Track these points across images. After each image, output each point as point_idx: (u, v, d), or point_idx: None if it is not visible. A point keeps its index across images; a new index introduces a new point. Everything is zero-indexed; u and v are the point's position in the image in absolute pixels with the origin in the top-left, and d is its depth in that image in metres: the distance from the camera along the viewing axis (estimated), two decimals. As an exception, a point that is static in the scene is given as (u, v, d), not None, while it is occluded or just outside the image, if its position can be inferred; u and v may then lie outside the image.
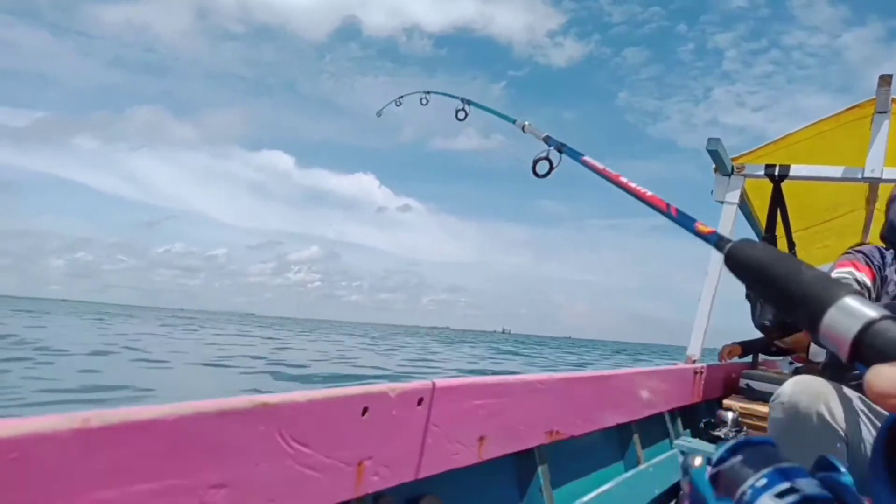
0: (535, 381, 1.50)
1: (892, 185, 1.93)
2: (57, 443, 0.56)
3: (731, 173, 3.13)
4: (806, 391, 1.59)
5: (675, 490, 2.20)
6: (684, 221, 0.67)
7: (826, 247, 4.73)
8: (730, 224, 3.08)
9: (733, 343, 3.44)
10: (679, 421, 2.62)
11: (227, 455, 0.74)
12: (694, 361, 2.94)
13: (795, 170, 3.08)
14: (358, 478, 0.95)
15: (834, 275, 1.82)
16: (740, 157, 3.20)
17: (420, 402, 1.10)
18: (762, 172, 3.12)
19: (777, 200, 3.23)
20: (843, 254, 1.91)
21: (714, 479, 0.49)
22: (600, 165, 0.97)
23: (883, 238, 1.85)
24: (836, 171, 3.03)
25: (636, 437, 2.17)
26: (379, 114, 2.51)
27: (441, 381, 1.16)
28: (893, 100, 2.92)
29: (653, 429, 2.37)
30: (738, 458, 0.48)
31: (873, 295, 1.77)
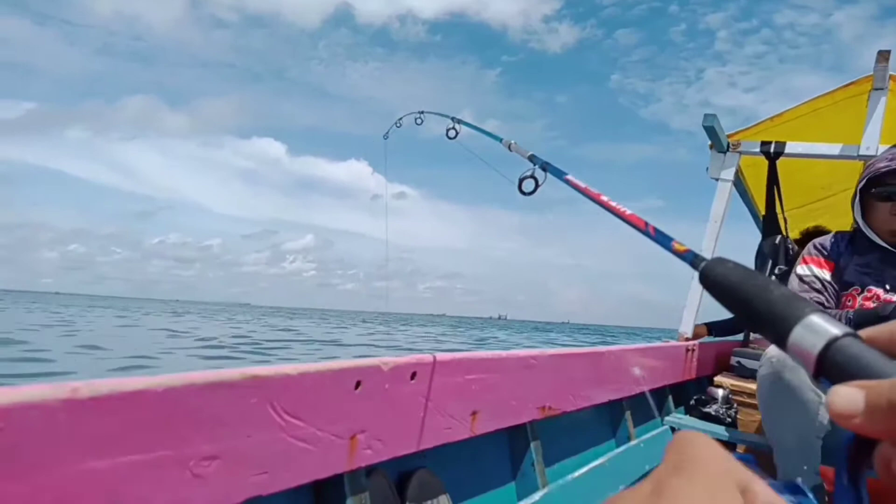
0: (528, 356, 1.51)
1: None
2: (45, 412, 0.56)
3: (727, 150, 3.11)
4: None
5: (665, 465, 2.23)
6: (661, 240, 0.70)
7: (816, 225, 4.74)
8: (724, 200, 3.07)
9: (701, 323, 3.45)
10: (670, 398, 2.64)
11: (219, 427, 0.73)
12: (686, 339, 2.96)
13: (791, 147, 3.07)
14: (351, 451, 0.95)
15: (798, 271, 1.91)
16: (736, 133, 3.18)
17: (413, 376, 1.10)
18: (758, 149, 3.11)
19: (773, 178, 3.23)
20: (807, 246, 2.00)
21: None
22: (582, 184, 1.00)
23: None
24: (832, 148, 3.02)
25: (628, 414, 2.19)
26: (386, 136, 2.53)
27: (434, 356, 1.16)
28: (891, 76, 2.90)
29: (644, 405, 2.39)
30: None
31: (833, 289, 1.85)
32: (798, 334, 0.38)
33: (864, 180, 1.83)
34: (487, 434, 1.34)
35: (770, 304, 0.42)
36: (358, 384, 0.96)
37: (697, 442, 0.28)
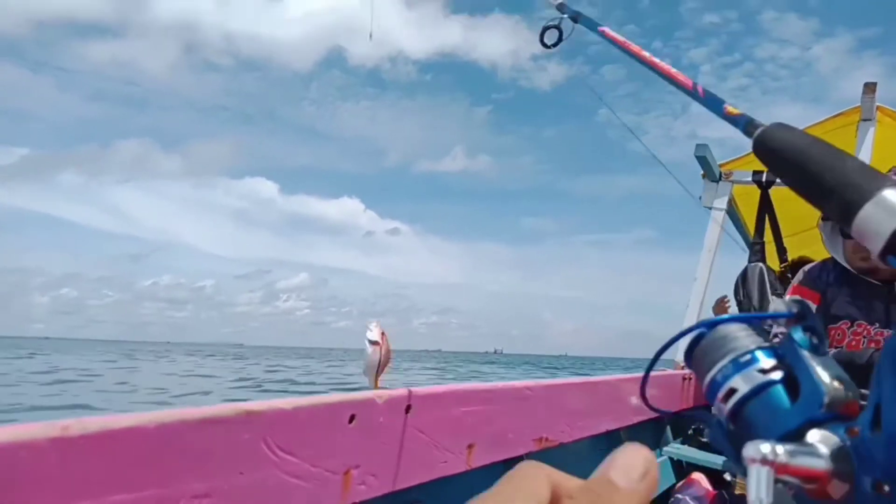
0: (524, 387, 1.50)
1: None
2: (34, 451, 0.55)
3: (720, 179, 3.15)
4: None
5: (665, 497, 2.19)
6: (711, 103, 0.63)
7: (815, 252, 4.77)
8: (717, 228, 3.10)
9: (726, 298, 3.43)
10: (668, 427, 2.62)
11: (211, 464, 0.72)
12: (682, 367, 2.95)
13: (782, 176, 3.10)
14: (345, 487, 0.94)
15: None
16: (728, 163, 3.22)
17: (408, 409, 1.09)
18: (750, 179, 3.15)
19: (765, 206, 3.26)
20: (797, 274, 1.97)
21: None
22: (620, 38, 0.88)
23: None
24: (823, 177, 3.06)
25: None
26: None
27: (429, 388, 1.16)
28: (878, 107, 2.96)
29: (642, 435, 2.37)
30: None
31: (821, 322, 1.81)
32: (868, 211, 0.35)
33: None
34: (484, 467, 1.33)
35: (839, 173, 0.38)
36: (352, 418, 0.95)
37: (524, 466, 0.29)
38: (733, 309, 3.41)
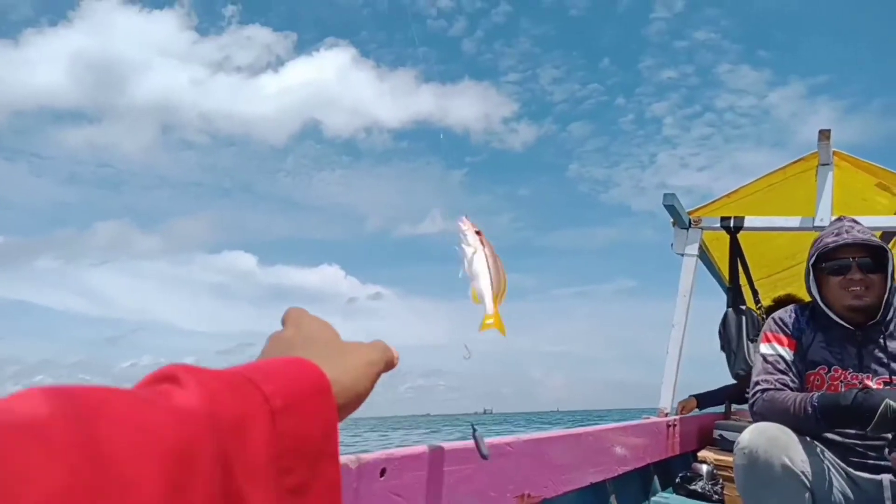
0: (504, 443, 1.49)
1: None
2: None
3: (689, 226, 3.23)
4: (763, 437, 1.62)
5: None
6: None
7: (787, 293, 4.86)
8: (690, 274, 3.16)
9: (689, 396, 3.43)
10: (655, 477, 2.59)
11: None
12: (666, 415, 2.95)
13: (750, 221, 3.21)
14: (319, 556, 0.92)
15: (762, 351, 1.88)
16: (696, 210, 3.32)
17: (383, 472, 1.08)
18: (718, 224, 3.24)
19: (735, 251, 3.34)
20: (767, 321, 1.98)
21: None
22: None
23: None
24: (790, 221, 3.17)
25: (613, 497, 2.14)
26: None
27: (404, 450, 1.15)
28: (834, 152, 3.10)
29: (629, 486, 2.35)
30: None
31: (798, 368, 1.82)
32: None
33: (814, 257, 1.84)
34: None
35: None
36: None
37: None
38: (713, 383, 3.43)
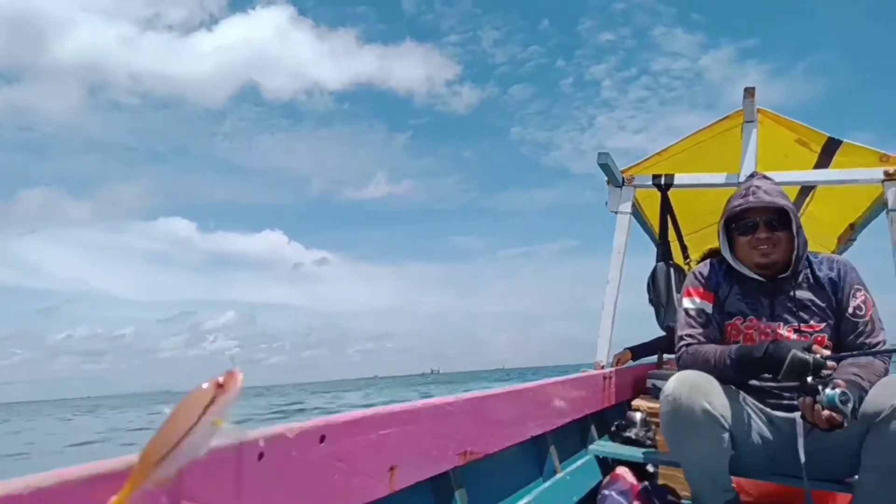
0: (444, 403, 1.51)
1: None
2: None
3: (623, 185, 3.31)
4: (685, 384, 1.73)
5: (592, 495, 2.26)
6: None
7: (714, 247, 5.09)
8: (624, 231, 3.25)
9: (624, 349, 3.58)
10: (593, 426, 2.70)
11: (102, 522, 0.68)
12: (602, 367, 3.06)
13: (679, 178, 3.31)
14: (258, 527, 0.91)
15: (685, 305, 1.98)
16: (629, 168, 3.39)
17: (322, 439, 1.07)
18: (650, 182, 3.32)
19: (666, 208, 3.45)
20: (688, 276, 2.08)
21: None
22: None
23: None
24: (716, 177, 3.29)
25: (552, 448, 2.22)
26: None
27: (343, 416, 1.14)
28: (759, 110, 3.21)
29: (568, 437, 2.43)
30: None
31: (717, 319, 1.94)
32: None
33: (724, 218, 1.94)
34: (408, 488, 1.32)
35: None
36: (261, 455, 0.93)
37: None
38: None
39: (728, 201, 1.96)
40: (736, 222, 1.90)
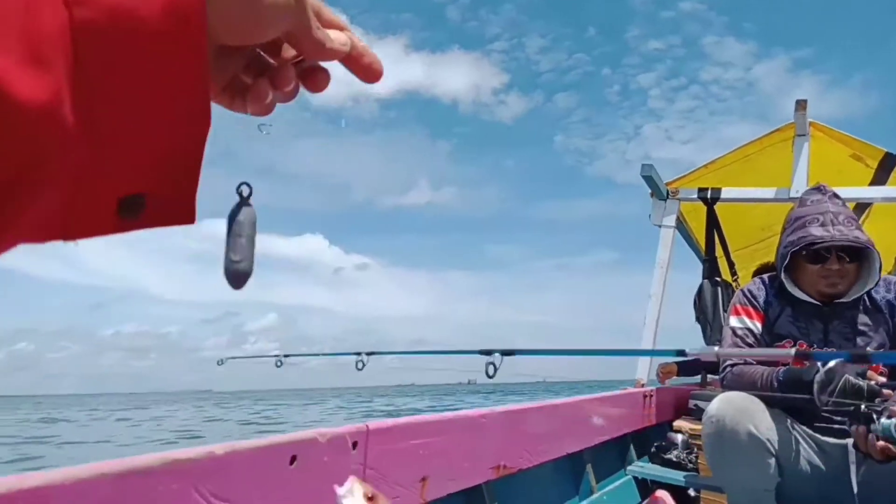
0: (478, 415, 1.49)
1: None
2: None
3: (667, 198, 3.24)
4: (730, 406, 1.65)
5: (630, 517, 2.19)
6: None
7: (768, 261, 4.93)
8: (668, 246, 3.17)
9: (671, 362, 3.49)
10: (632, 446, 2.62)
11: (135, 519, 0.69)
12: (643, 385, 2.98)
13: (726, 192, 3.22)
14: (288, 531, 0.91)
15: (731, 324, 1.89)
16: (674, 181, 3.32)
17: (355, 445, 1.07)
18: (695, 196, 3.24)
19: (712, 222, 3.36)
20: (736, 293, 1.99)
21: None
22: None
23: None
24: (766, 192, 3.18)
25: (589, 466, 2.16)
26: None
27: (376, 423, 1.13)
28: (810, 123, 3.10)
29: (606, 456, 2.37)
30: None
31: (765, 341, 1.84)
32: None
33: (792, 241, 1.79)
34: (439, 500, 1.30)
35: None
36: (293, 459, 0.93)
37: None
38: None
39: (796, 217, 1.83)
40: (806, 248, 1.78)
